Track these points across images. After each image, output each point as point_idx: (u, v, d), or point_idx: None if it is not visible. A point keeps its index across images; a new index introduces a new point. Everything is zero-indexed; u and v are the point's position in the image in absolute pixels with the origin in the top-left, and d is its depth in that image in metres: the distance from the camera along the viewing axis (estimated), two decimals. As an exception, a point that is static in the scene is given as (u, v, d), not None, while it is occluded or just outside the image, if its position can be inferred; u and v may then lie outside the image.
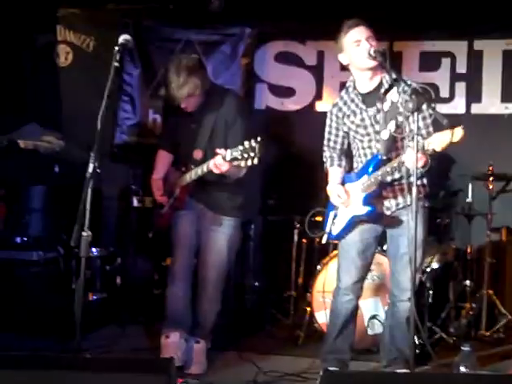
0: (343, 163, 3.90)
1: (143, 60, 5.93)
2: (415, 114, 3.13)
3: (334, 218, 3.83)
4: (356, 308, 3.84)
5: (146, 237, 4.49)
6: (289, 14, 5.58)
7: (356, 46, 3.56)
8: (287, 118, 5.93)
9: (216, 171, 3.76)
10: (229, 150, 3.65)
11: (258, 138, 3.57)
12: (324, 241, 3.92)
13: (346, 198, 3.72)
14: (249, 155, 3.57)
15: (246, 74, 5.85)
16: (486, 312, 4.82)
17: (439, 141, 3.18)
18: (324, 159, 3.95)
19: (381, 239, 3.90)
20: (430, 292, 4.63)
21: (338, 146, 3.87)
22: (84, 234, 2.92)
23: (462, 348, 3.34)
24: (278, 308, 5.29)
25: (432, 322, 4.65)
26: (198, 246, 4.15)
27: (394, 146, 3.60)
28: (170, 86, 3.92)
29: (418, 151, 3.13)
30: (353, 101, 3.71)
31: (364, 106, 3.66)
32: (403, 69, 5.66)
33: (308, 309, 4.65)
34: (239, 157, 3.59)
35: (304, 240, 5.21)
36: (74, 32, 6.01)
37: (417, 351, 4.19)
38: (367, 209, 3.64)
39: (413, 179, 3.17)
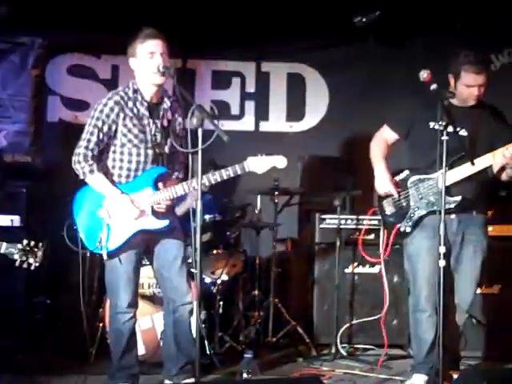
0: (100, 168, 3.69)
1: None
2: (199, 129, 3.26)
3: (108, 231, 3.64)
4: (135, 322, 3.83)
5: None
6: (83, 26, 5.51)
7: (149, 58, 3.59)
8: (81, 131, 5.81)
9: None
10: (4, 244, 3.46)
11: (40, 244, 3.44)
12: (105, 257, 3.68)
13: (139, 209, 3.62)
14: (27, 258, 3.42)
15: (37, 85, 5.65)
16: (272, 319, 5.08)
17: (260, 164, 3.39)
18: (78, 158, 3.63)
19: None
20: (221, 303, 4.79)
21: (102, 145, 3.67)
22: None
23: (245, 355, 3.52)
24: (70, 325, 5.16)
25: (223, 332, 4.81)
26: None
27: (176, 160, 3.75)
28: None
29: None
30: (135, 104, 3.67)
31: (147, 113, 3.68)
32: (196, 86, 5.84)
33: (100, 324, 4.60)
34: (16, 256, 3.43)
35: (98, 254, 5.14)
36: None
37: (208, 360, 4.35)
38: (165, 223, 3.66)
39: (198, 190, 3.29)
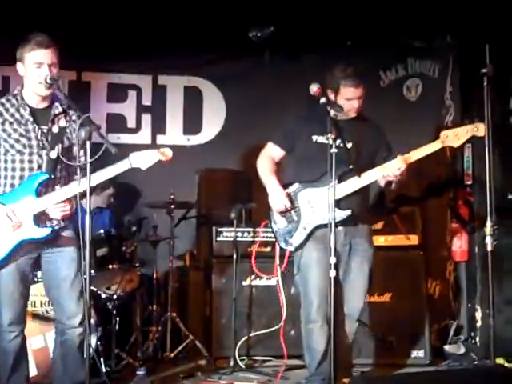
0: None
1: None
2: (87, 142, 3.20)
3: None
4: (24, 340, 3.66)
5: None
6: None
7: (36, 68, 3.47)
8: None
9: None
10: None
11: None
12: None
13: (18, 220, 3.46)
14: None
15: None
16: (170, 334, 5.03)
17: (145, 159, 3.32)
18: None
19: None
20: (117, 319, 4.71)
21: None
22: None
23: (137, 372, 3.48)
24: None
25: (120, 348, 4.73)
26: None
27: (61, 166, 3.58)
28: None
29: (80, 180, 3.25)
30: (18, 110, 3.55)
31: (31, 118, 3.55)
32: (91, 99, 5.75)
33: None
34: None
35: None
36: None
37: (104, 379, 4.25)
38: (47, 231, 3.51)
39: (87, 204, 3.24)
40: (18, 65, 3.56)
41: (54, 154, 3.54)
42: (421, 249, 5.10)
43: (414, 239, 5.07)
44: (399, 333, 4.93)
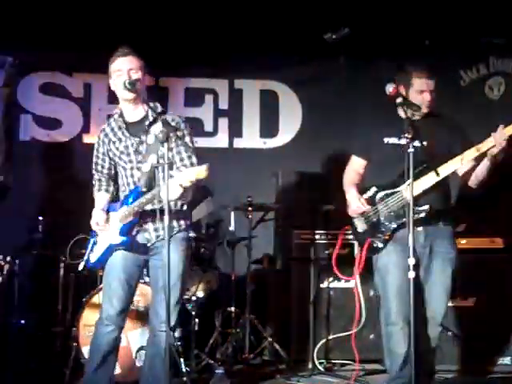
0: (111, 189, 3.92)
1: None
2: (165, 144, 3.27)
3: (93, 245, 3.83)
4: (118, 340, 3.77)
5: None
6: (55, 44, 5.50)
7: (117, 77, 3.61)
8: (54, 149, 5.80)
9: None
10: None
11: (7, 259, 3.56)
12: (80, 267, 3.90)
13: (103, 225, 3.73)
14: None
15: (8, 104, 5.61)
16: (249, 336, 5.06)
17: (186, 176, 3.31)
18: (93, 182, 3.94)
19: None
20: (197, 320, 4.77)
21: (106, 171, 3.87)
22: None
23: (216, 371, 3.48)
24: (45, 345, 5.08)
25: (199, 349, 4.79)
26: None
27: (156, 178, 3.64)
28: None
29: (168, 182, 3.27)
30: (120, 128, 3.72)
31: (128, 134, 3.69)
32: (169, 104, 5.83)
33: (75, 344, 4.54)
34: None
35: (72, 273, 5.09)
36: None
37: (184, 379, 4.30)
38: (122, 239, 3.67)
39: (166, 209, 3.28)
40: (111, 81, 3.71)
41: (146, 167, 3.61)
42: (506, 252, 4.94)
43: (498, 242, 4.93)
44: (484, 339, 4.78)
